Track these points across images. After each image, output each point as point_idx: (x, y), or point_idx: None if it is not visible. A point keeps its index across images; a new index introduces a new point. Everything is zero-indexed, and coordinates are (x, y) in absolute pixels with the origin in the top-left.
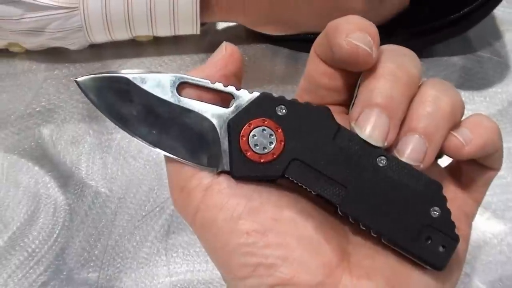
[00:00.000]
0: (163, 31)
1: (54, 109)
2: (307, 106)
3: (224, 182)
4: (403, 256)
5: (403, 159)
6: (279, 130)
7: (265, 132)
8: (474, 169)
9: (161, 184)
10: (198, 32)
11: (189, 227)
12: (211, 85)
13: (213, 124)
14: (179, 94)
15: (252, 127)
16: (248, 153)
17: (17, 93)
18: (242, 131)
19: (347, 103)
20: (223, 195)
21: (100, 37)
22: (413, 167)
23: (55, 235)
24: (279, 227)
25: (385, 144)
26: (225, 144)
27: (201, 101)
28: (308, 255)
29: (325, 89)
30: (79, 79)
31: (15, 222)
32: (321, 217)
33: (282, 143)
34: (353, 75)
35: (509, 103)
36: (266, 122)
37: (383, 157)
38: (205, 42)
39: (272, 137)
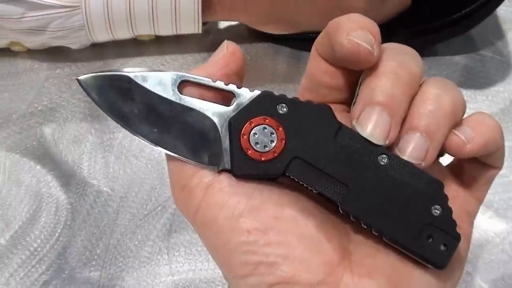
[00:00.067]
0: (165, 30)
1: (56, 108)
2: (308, 105)
3: (225, 181)
4: (405, 254)
5: (405, 158)
6: (280, 129)
7: (266, 130)
8: (475, 168)
9: (163, 183)
10: (200, 31)
11: (190, 226)
12: (212, 84)
13: (214, 123)
14: (181, 93)
15: (253, 125)
16: (249, 152)
17: (19, 92)
18: (243, 130)
19: (349, 102)
20: (224, 194)
21: (101, 36)
22: (415, 165)
23: (57, 234)
24: (280, 226)
25: (387, 142)
26: (226, 142)
27: (203, 100)
28: (309, 254)
29: (326, 87)
30: (81, 77)
31: (17, 221)
32: (322, 216)
33: (283, 141)
34: (355, 74)
35: (511, 101)
36: (267, 121)
37: (384, 156)
38: (207, 41)
39: (273, 136)
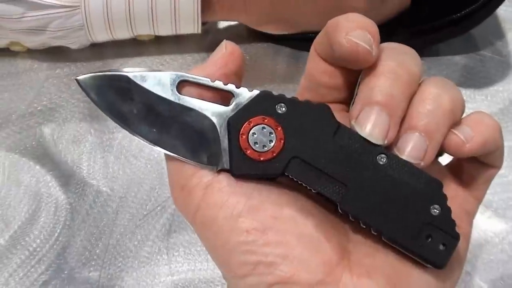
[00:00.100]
0: (165, 30)
1: (55, 108)
2: (307, 104)
3: (224, 181)
4: (404, 254)
5: (404, 157)
6: (279, 128)
7: (265, 130)
8: (475, 167)
9: (162, 183)
10: (200, 31)
11: (190, 226)
12: (211, 83)
13: (213, 122)
14: (179, 92)
15: (251, 125)
16: (248, 151)
17: (18, 92)
18: (242, 129)
19: (348, 101)
20: (223, 193)
21: (101, 36)
22: (414, 165)
23: (56, 234)
24: (279, 225)
25: (385, 142)
26: (225, 142)
27: (201, 99)
28: (308, 253)
29: (325, 87)
30: (80, 77)
31: (16, 221)
32: (321, 215)
33: (282, 141)
34: (354, 73)
35: (511, 101)
36: (266, 120)
37: (383, 155)
38: (207, 41)
39: (272, 135)
